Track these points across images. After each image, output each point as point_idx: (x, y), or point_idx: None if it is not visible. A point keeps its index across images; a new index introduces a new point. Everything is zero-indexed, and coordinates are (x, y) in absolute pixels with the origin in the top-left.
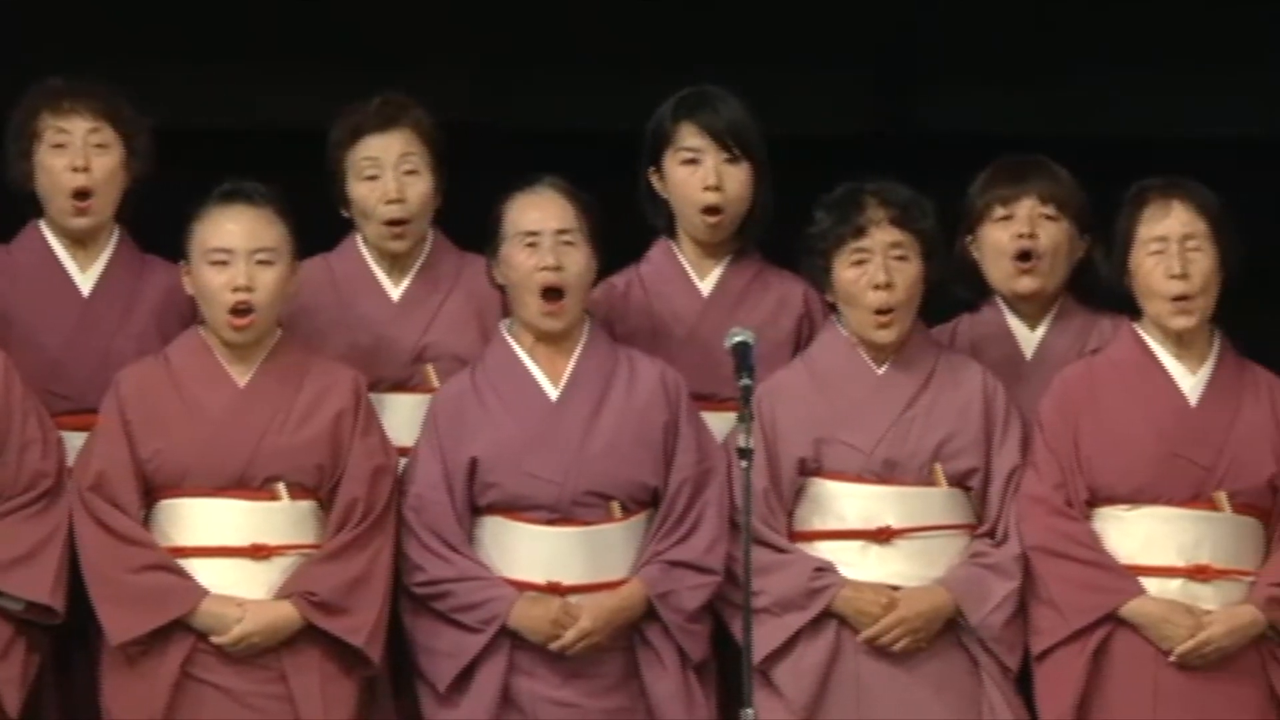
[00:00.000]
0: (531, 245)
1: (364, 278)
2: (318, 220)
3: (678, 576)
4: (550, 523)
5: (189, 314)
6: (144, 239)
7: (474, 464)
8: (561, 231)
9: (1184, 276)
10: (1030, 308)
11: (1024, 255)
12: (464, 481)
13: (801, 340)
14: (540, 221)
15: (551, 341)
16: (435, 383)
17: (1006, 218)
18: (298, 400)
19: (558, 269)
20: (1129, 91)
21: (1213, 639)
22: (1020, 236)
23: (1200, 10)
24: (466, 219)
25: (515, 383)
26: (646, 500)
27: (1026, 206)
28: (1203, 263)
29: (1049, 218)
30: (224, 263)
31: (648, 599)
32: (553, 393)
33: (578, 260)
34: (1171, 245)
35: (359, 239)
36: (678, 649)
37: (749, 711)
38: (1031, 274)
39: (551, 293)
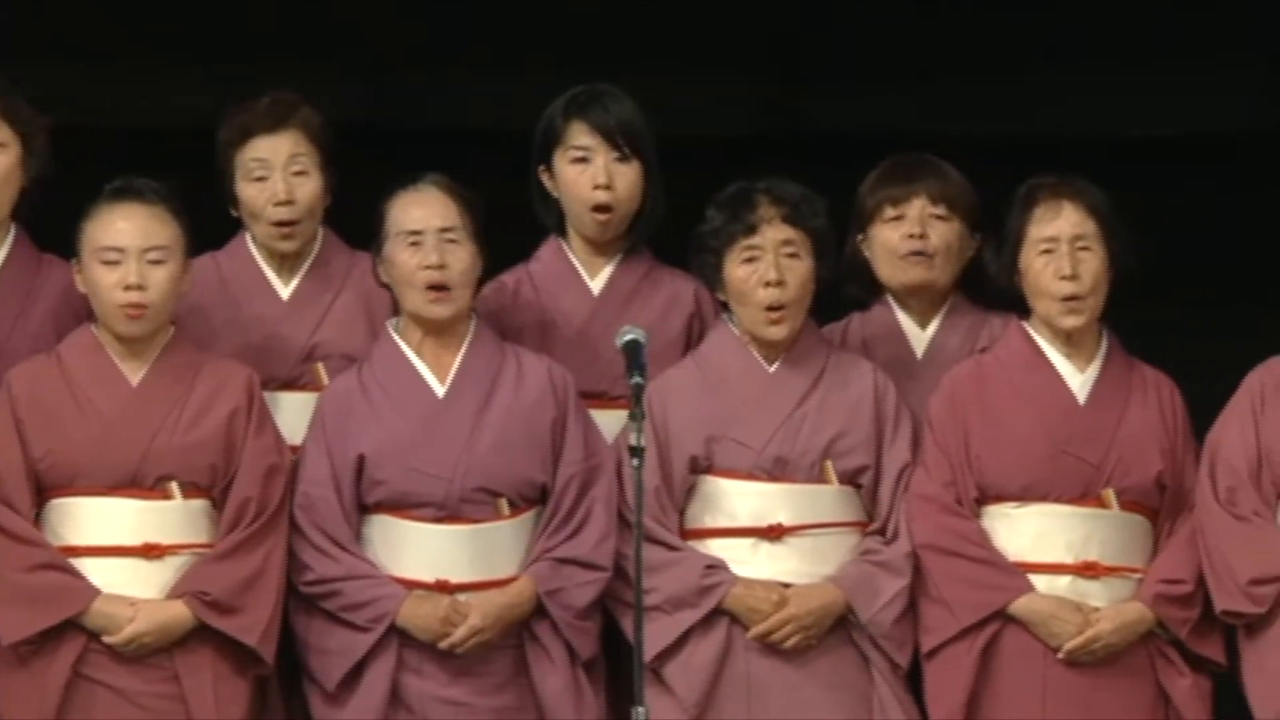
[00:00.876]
0: (415, 244)
1: (253, 277)
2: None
3: (567, 574)
4: (438, 520)
5: (86, 313)
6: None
7: (361, 461)
8: (445, 230)
9: (1074, 278)
10: (921, 305)
11: (915, 255)
12: (351, 479)
13: (692, 339)
14: (423, 220)
15: (438, 338)
16: (325, 381)
17: (897, 218)
18: (191, 399)
19: (441, 267)
20: (1022, 91)
21: (1100, 636)
22: (911, 236)
23: (1097, 10)
24: None
25: (402, 380)
26: (534, 497)
27: (917, 206)
28: (1092, 263)
29: (939, 217)
30: (115, 261)
31: (537, 596)
32: (439, 389)
33: (462, 258)
34: (1062, 246)
35: (248, 238)
36: (567, 646)
37: (640, 710)
38: (921, 266)
39: (436, 290)
